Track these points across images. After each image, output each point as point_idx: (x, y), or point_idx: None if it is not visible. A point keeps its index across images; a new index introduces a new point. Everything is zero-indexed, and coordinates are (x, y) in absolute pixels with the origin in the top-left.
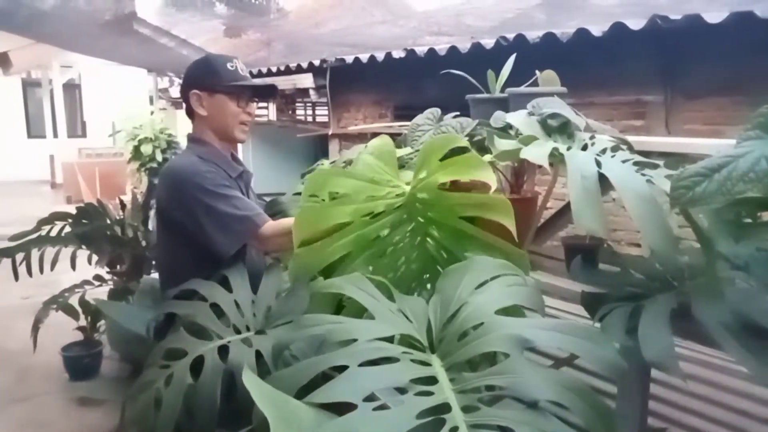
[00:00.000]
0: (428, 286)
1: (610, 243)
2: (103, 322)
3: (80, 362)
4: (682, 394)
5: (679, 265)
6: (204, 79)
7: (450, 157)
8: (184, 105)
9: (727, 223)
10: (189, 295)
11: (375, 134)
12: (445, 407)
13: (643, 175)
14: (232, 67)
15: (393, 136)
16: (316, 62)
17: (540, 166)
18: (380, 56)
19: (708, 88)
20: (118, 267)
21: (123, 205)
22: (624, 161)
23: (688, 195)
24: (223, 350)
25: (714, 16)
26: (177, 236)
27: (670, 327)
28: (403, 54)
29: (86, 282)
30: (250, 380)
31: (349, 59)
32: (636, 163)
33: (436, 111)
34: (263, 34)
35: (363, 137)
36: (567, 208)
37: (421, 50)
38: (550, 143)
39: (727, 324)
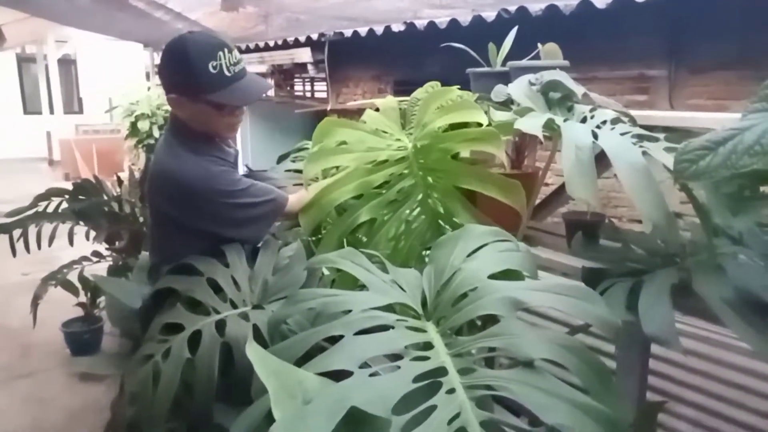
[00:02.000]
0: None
1: (611, 219)
2: (103, 298)
3: (81, 338)
4: (681, 368)
5: (681, 240)
6: (183, 85)
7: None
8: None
9: (727, 197)
10: (184, 271)
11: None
12: (441, 371)
13: (641, 147)
14: (215, 68)
15: None
16: (315, 36)
17: (541, 142)
18: (379, 30)
19: (713, 63)
20: (117, 243)
21: (120, 182)
22: (623, 134)
23: (691, 168)
24: (221, 325)
25: None
26: (177, 231)
27: (671, 302)
28: (402, 27)
29: (85, 258)
30: (253, 351)
31: (348, 33)
32: (636, 136)
33: (436, 84)
34: (261, 8)
35: (362, 113)
36: (541, 204)
37: (421, 23)
38: (546, 114)
39: (728, 299)
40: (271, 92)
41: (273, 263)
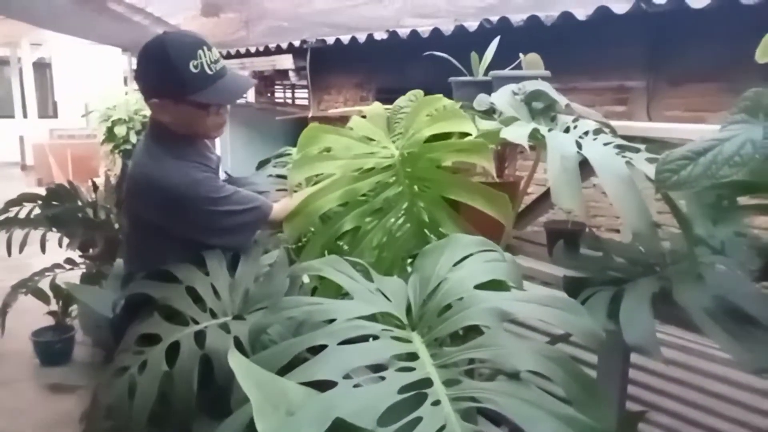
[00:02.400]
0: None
1: (591, 228)
2: (75, 306)
3: (51, 348)
4: (660, 377)
5: (661, 250)
6: (164, 87)
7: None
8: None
9: (707, 207)
10: (160, 278)
11: None
12: (426, 382)
13: (624, 157)
14: (196, 67)
15: None
16: (296, 43)
17: (522, 151)
18: (362, 38)
19: (691, 75)
20: (90, 250)
21: (95, 187)
22: (605, 144)
23: (673, 178)
24: (200, 336)
25: (698, 0)
26: (153, 236)
27: (652, 311)
28: (385, 36)
29: (57, 265)
30: (235, 361)
31: (330, 40)
32: (618, 146)
33: (418, 93)
34: (242, 14)
35: (344, 120)
36: (548, 192)
37: (403, 32)
38: (531, 124)
39: (708, 308)
40: (251, 99)
41: (255, 271)
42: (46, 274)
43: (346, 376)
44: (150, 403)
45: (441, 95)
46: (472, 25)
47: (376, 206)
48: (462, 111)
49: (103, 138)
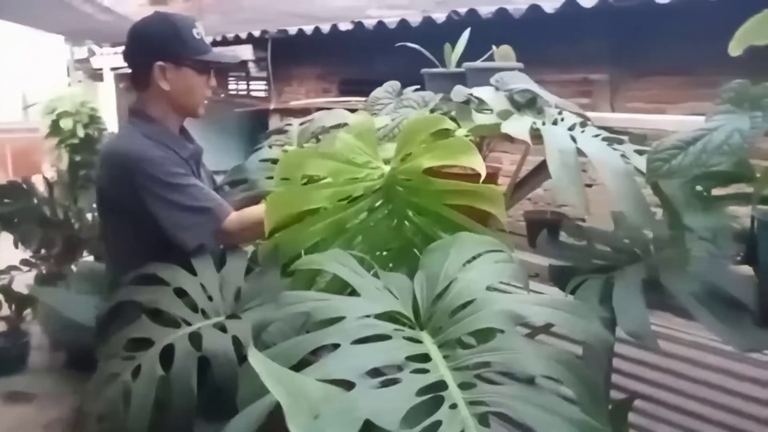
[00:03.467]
0: (403, 269)
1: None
2: (29, 310)
3: (5, 354)
4: (642, 366)
5: (644, 238)
6: (171, 48)
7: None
8: (131, 73)
9: (690, 196)
10: (146, 281)
11: (319, 109)
12: (441, 385)
13: (615, 150)
14: (198, 34)
15: None
16: (256, 33)
17: (489, 143)
18: (326, 28)
19: (652, 68)
20: (43, 251)
21: (49, 184)
22: (594, 136)
23: (665, 167)
24: (195, 337)
25: None
26: (125, 223)
27: (643, 298)
28: (350, 27)
29: (13, 267)
30: (257, 360)
31: (293, 31)
32: (605, 139)
33: (395, 84)
34: (194, 3)
35: (306, 112)
36: (519, 184)
37: (369, 23)
38: (527, 118)
39: (696, 294)
40: None
41: (243, 268)
42: (1, 276)
43: (363, 376)
44: (148, 410)
45: (445, 117)
46: (440, 17)
47: (362, 232)
48: (468, 141)
49: (47, 132)
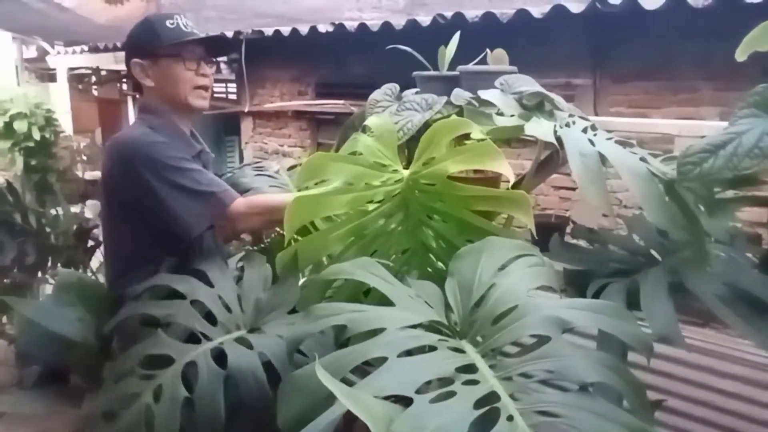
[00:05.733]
0: (415, 273)
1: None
2: None
3: None
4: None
5: (659, 240)
6: (143, 44)
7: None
8: (126, 77)
9: (705, 199)
10: (158, 294)
11: (296, 113)
12: (493, 396)
13: (633, 153)
14: (172, 24)
15: (314, 114)
16: (229, 34)
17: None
18: (304, 30)
19: (635, 73)
20: (9, 261)
21: (12, 188)
22: (607, 139)
23: (695, 170)
24: (217, 354)
25: (651, 2)
26: (129, 220)
27: (671, 300)
28: (330, 28)
29: None
30: (327, 379)
31: (269, 32)
32: (617, 142)
33: (394, 86)
34: (152, 1)
35: (280, 115)
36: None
37: (351, 25)
38: (546, 121)
39: (722, 296)
40: None
41: (263, 278)
42: None
43: (418, 391)
44: None
45: (470, 121)
46: (425, 19)
47: (381, 237)
48: (496, 146)
49: None
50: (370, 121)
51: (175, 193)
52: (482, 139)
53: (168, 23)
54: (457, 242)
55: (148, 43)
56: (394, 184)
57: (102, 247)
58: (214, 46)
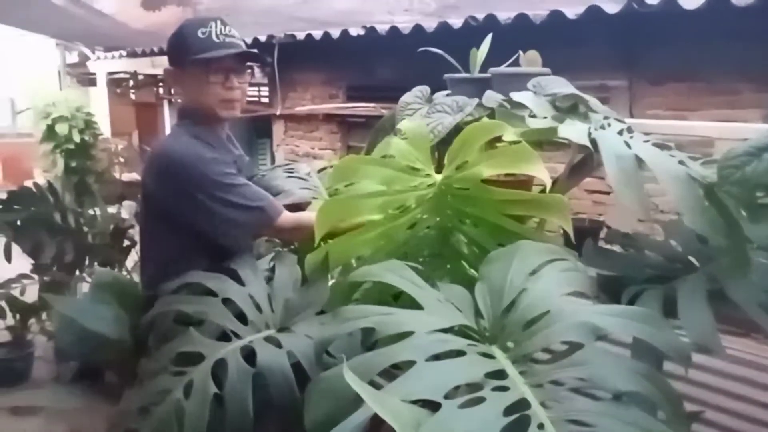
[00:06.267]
0: (446, 279)
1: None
2: (33, 320)
3: (9, 366)
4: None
5: (697, 246)
6: (173, 53)
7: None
8: (162, 81)
9: (743, 205)
10: (190, 290)
11: (326, 116)
12: (523, 403)
13: (672, 156)
14: (204, 33)
15: (345, 117)
16: (262, 38)
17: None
18: (336, 33)
19: (673, 74)
20: (48, 259)
21: (52, 189)
22: (644, 142)
23: (737, 174)
24: (247, 352)
25: (691, 2)
26: (172, 227)
27: (710, 309)
28: (362, 32)
29: (24, 276)
30: (356, 383)
31: (301, 36)
32: (654, 145)
33: (425, 89)
34: (188, 6)
35: (311, 118)
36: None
37: (382, 28)
38: (581, 123)
39: (764, 304)
40: None
41: (293, 278)
42: (13, 285)
43: (447, 396)
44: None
45: (504, 123)
46: (456, 22)
47: (411, 245)
48: (531, 149)
49: (41, 137)
50: (403, 125)
51: (224, 209)
52: (515, 142)
53: (200, 33)
54: (490, 247)
55: (177, 52)
56: (426, 189)
57: (138, 247)
58: (245, 57)
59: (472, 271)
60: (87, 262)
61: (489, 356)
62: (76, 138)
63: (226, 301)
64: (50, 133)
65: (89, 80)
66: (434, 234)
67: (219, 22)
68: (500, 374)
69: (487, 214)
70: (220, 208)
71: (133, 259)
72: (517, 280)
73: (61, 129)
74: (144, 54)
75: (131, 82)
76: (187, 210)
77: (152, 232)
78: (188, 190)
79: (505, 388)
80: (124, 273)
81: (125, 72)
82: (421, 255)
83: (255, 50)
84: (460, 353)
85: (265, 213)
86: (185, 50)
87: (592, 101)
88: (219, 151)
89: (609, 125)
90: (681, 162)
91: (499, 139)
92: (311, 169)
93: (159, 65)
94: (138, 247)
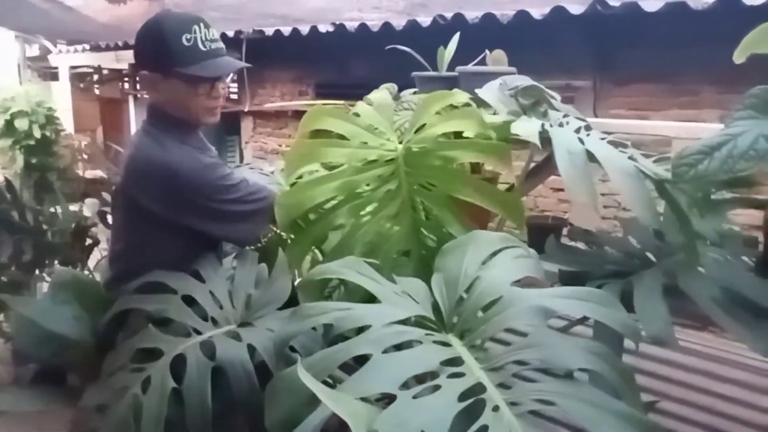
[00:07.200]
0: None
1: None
2: None
3: None
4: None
5: (655, 242)
6: (154, 58)
7: None
8: (128, 77)
9: (697, 200)
10: (151, 289)
11: (296, 112)
12: (479, 388)
13: (623, 152)
14: (188, 40)
15: None
16: (230, 33)
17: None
18: (305, 30)
19: (636, 75)
20: (6, 258)
21: (10, 186)
22: (600, 140)
23: (690, 172)
24: (207, 346)
25: (651, 4)
26: (163, 232)
27: (665, 302)
28: (331, 28)
29: None
30: (309, 380)
31: (269, 31)
32: (609, 142)
33: (392, 87)
34: (153, 3)
35: (280, 115)
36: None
37: (351, 25)
38: (535, 120)
39: (717, 299)
40: None
41: (254, 275)
42: None
43: (402, 387)
44: (160, 426)
45: (456, 90)
46: (425, 20)
47: (373, 201)
48: (477, 110)
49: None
50: (370, 95)
51: (238, 208)
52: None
53: (185, 39)
54: (443, 217)
55: (158, 59)
56: (388, 150)
57: (101, 246)
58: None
59: (430, 236)
60: (47, 262)
61: (445, 344)
62: (37, 134)
63: (187, 299)
64: (9, 128)
65: (51, 74)
66: (394, 200)
67: (202, 25)
68: (456, 361)
69: (441, 183)
70: (235, 209)
71: (95, 258)
72: (471, 269)
73: (21, 124)
74: (108, 48)
75: (95, 77)
76: (196, 219)
77: (136, 237)
78: (199, 202)
79: (460, 375)
80: (86, 272)
81: (89, 66)
82: (382, 221)
83: (247, 63)
84: (416, 343)
85: (269, 200)
86: (169, 59)
87: (555, 98)
88: (208, 153)
89: (567, 123)
90: (631, 158)
91: (460, 134)
92: (275, 168)
93: (123, 60)
94: (101, 245)
